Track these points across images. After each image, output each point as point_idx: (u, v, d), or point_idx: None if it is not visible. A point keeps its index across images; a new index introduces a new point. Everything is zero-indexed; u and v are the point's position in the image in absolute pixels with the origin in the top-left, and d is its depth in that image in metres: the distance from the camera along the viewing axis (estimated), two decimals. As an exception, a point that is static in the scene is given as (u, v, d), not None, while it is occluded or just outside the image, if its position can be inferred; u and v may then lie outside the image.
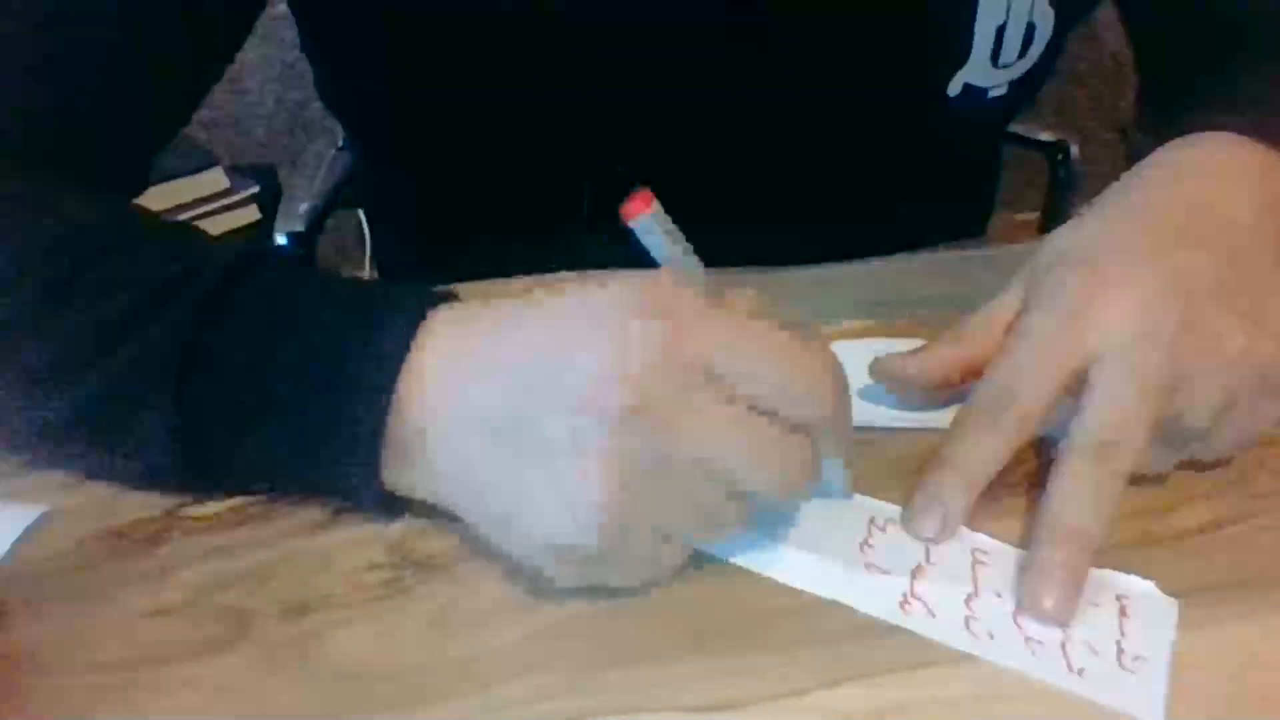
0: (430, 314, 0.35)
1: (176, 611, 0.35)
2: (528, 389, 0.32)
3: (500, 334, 0.34)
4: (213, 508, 0.38)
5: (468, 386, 0.33)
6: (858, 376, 0.44)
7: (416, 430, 0.34)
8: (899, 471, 0.40)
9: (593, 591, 0.34)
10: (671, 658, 0.33)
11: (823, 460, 0.35)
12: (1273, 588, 0.36)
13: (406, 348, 0.34)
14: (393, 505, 0.36)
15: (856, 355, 0.45)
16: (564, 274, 0.47)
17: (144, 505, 0.39)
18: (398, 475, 0.35)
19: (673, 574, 0.34)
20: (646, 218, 0.33)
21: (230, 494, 0.39)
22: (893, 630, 0.34)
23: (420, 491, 0.36)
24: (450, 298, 0.37)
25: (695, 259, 0.35)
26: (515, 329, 0.34)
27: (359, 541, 0.37)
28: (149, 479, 0.38)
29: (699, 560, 0.35)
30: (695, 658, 0.33)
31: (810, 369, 0.32)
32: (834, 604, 0.35)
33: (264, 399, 0.35)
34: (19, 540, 0.37)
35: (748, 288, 0.34)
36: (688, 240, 0.34)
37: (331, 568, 0.36)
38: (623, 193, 0.33)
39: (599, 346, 0.31)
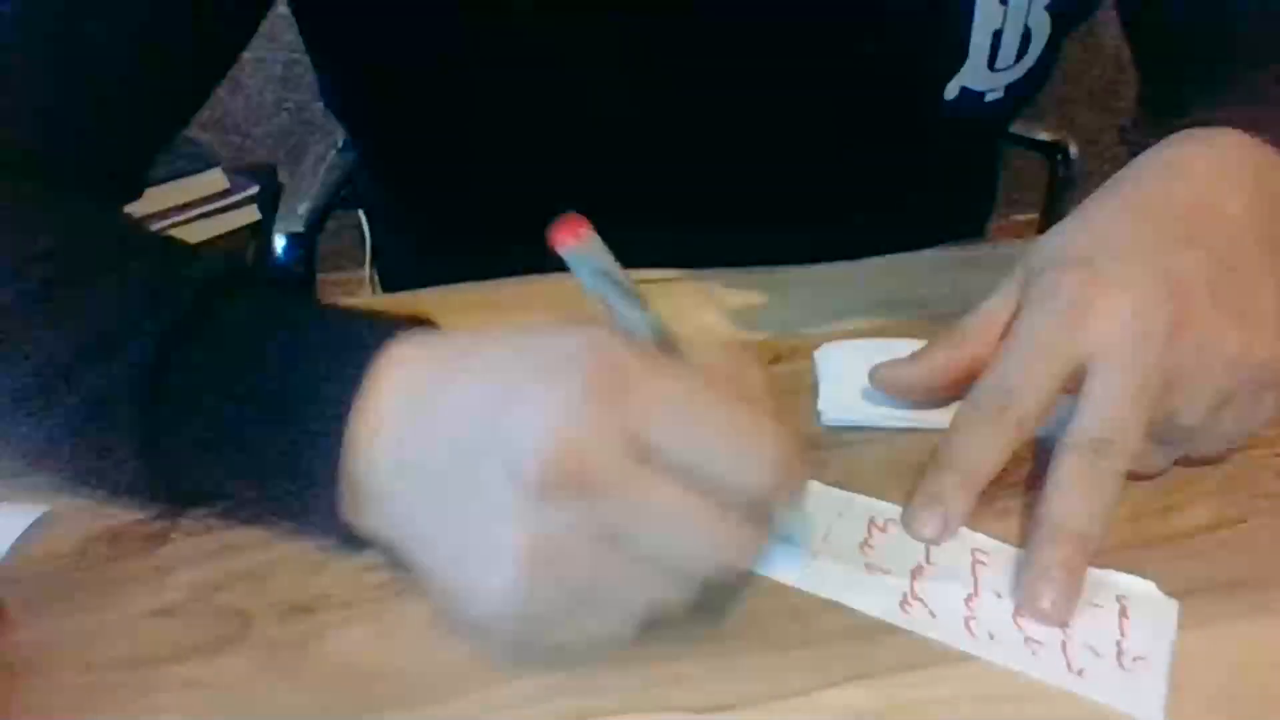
0: (386, 348, 0.34)
1: (176, 611, 0.35)
2: (464, 445, 0.31)
3: (447, 379, 0.33)
4: (213, 507, 0.38)
5: (408, 432, 0.32)
6: (857, 376, 0.44)
7: (364, 473, 0.33)
8: (899, 471, 0.40)
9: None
10: (671, 658, 0.33)
11: (782, 514, 0.34)
12: (1273, 588, 0.36)
13: (353, 388, 0.33)
14: (357, 540, 0.35)
15: (855, 355, 0.45)
16: (559, 275, 0.47)
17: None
18: (354, 515, 0.34)
19: (617, 644, 0.32)
20: (575, 247, 0.30)
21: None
22: (893, 630, 0.34)
23: (374, 534, 0.35)
24: (419, 322, 0.36)
25: (636, 301, 0.32)
26: (462, 377, 0.32)
27: (359, 541, 0.37)
28: (126, 501, 0.38)
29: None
30: (695, 658, 0.33)
31: (752, 446, 0.30)
32: (834, 604, 0.35)
33: (224, 434, 0.34)
34: (19, 540, 0.37)
35: (711, 342, 0.32)
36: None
37: (331, 568, 0.36)
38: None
39: (538, 410, 0.29)
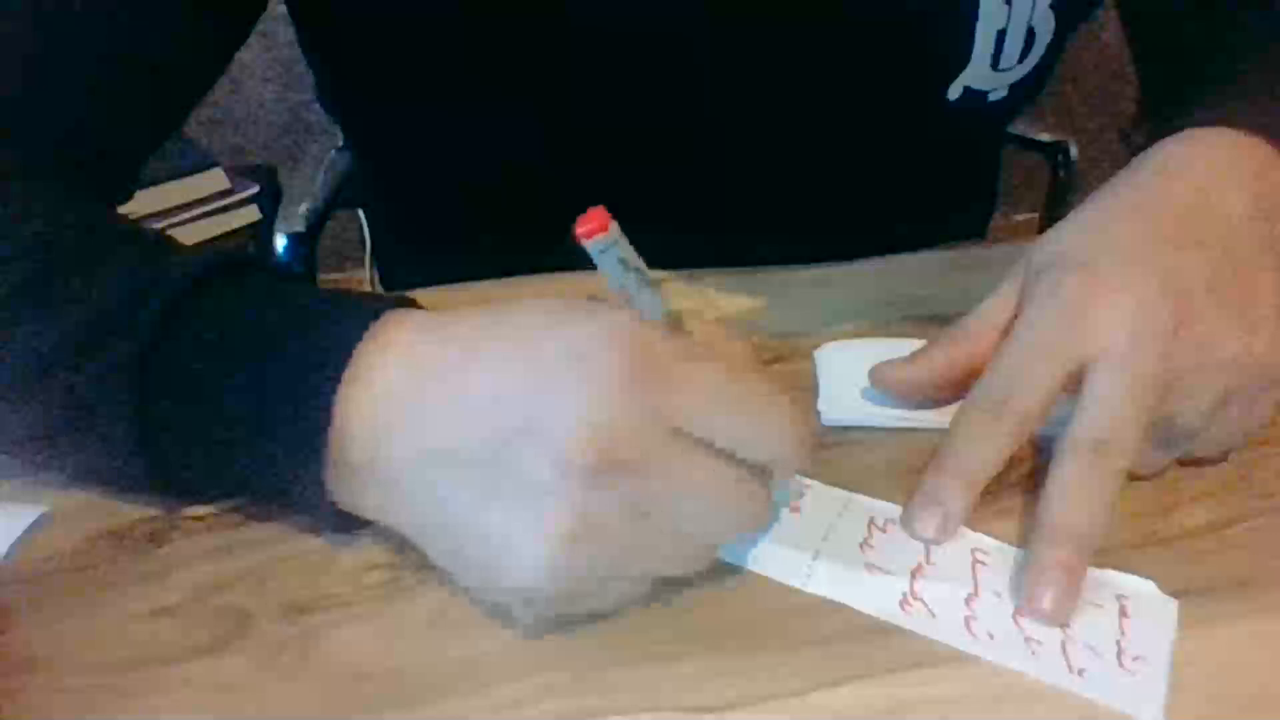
0: (378, 329, 0.34)
1: (176, 611, 0.35)
2: (497, 430, 0.31)
3: (464, 364, 0.33)
4: (213, 507, 0.38)
5: (428, 418, 0.32)
6: (857, 376, 0.44)
7: (366, 458, 0.33)
8: (899, 471, 0.40)
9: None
10: (672, 658, 0.33)
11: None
12: (1273, 588, 0.36)
13: (344, 369, 0.33)
14: (352, 521, 0.36)
15: (855, 355, 0.45)
16: (559, 275, 0.47)
17: (144, 505, 0.38)
18: (351, 498, 0.34)
19: (641, 600, 0.34)
20: (602, 240, 0.31)
21: (208, 501, 0.38)
22: (893, 630, 0.34)
23: (376, 516, 0.35)
24: (407, 303, 0.36)
25: (653, 288, 0.33)
26: (481, 361, 0.33)
27: (359, 542, 0.37)
28: (121, 488, 0.38)
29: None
30: (696, 658, 0.33)
31: (776, 420, 0.32)
32: (834, 604, 0.35)
33: (215, 417, 0.34)
34: (19, 540, 0.37)
35: (709, 320, 0.34)
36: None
37: (331, 568, 0.36)
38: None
39: (575, 396, 0.30)
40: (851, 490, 0.39)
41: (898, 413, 0.43)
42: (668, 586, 0.34)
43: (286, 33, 0.57)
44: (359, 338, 0.34)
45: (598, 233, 0.31)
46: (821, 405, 0.44)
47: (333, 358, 0.33)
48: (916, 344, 0.43)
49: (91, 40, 0.45)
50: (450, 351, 0.33)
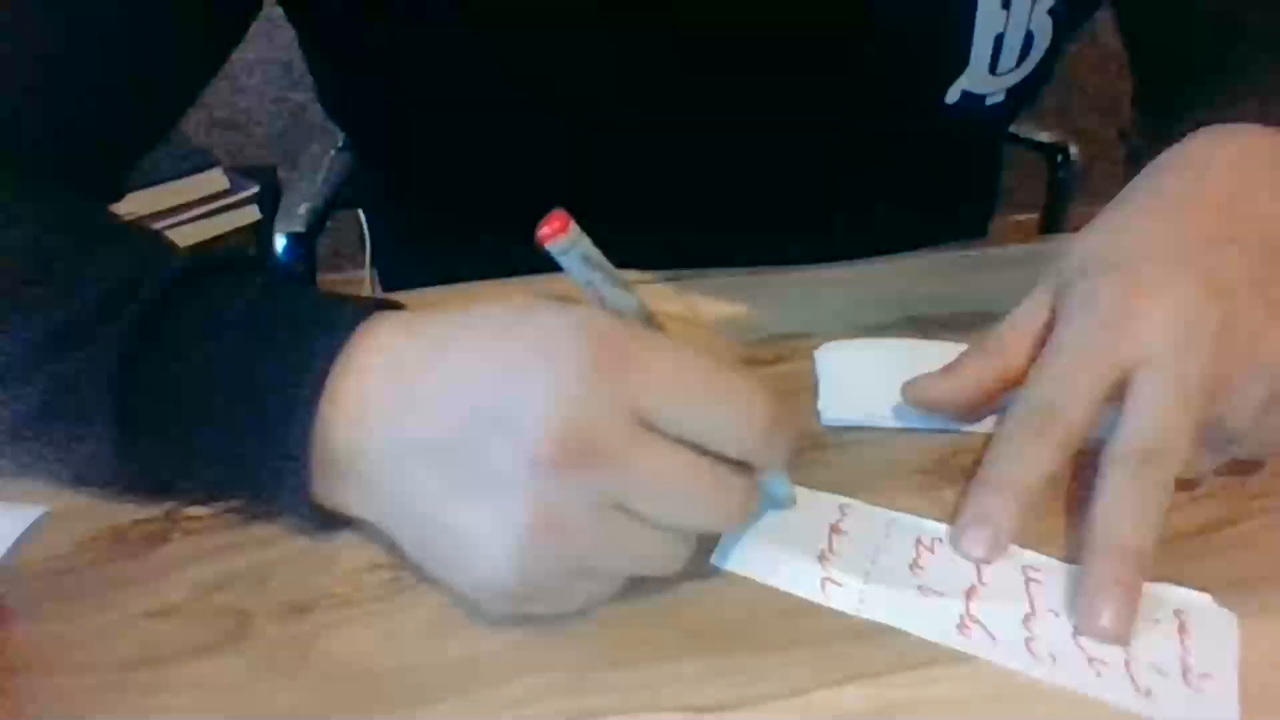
0: (362, 329, 0.34)
1: (176, 611, 0.35)
2: (467, 420, 0.31)
3: (437, 357, 0.33)
4: (212, 508, 0.38)
5: (403, 410, 0.33)
6: (857, 376, 0.44)
7: (347, 452, 0.33)
8: (899, 472, 0.40)
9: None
10: (671, 658, 0.33)
11: (768, 475, 0.35)
12: (1273, 588, 0.36)
13: (328, 367, 0.33)
14: (332, 520, 0.36)
15: (855, 355, 0.45)
16: (558, 275, 0.47)
17: (143, 506, 0.38)
18: (331, 494, 0.34)
19: (609, 599, 0.34)
20: (563, 241, 0.31)
21: (195, 501, 0.38)
22: (892, 630, 0.34)
23: (356, 511, 0.35)
24: (391, 306, 0.36)
25: (623, 285, 0.33)
26: (453, 353, 0.33)
27: (359, 541, 0.37)
28: (100, 489, 0.38)
29: (699, 561, 0.35)
30: (695, 658, 0.33)
31: (747, 407, 0.32)
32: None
33: (195, 417, 0.34)
34: (19, 540, 0.37)
35: (686, 320, 0.34)
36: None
37: (331, 568, 0.36)
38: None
39: (544, 386, 0.30)
40: (852, 490, 0.39)
41: (898, 413, 0.43)
42: (663, 588, 0.34)
43: (286, 33, 0.57)
44: (343, 340, 0.34)
45: (558, 234, 0.31)
46: (821, 405, 0.44)
47: (317, 362, 0.33)
48: (917, 344, 0.43)
49: (85, 38, 0.45)
50: (426, 346, 0.34)
